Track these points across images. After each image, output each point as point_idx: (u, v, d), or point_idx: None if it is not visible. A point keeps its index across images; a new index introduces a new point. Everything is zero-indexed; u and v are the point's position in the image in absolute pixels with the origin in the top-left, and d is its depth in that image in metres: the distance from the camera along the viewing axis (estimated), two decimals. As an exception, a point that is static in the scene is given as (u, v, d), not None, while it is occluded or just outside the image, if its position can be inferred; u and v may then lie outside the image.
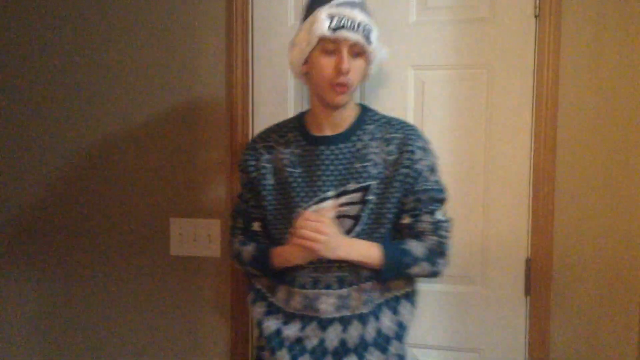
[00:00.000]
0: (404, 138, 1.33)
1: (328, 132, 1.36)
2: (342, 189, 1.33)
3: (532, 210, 1.60)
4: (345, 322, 1.33)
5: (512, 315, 1.64)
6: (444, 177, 1.39)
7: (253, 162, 1.41)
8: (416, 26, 1.66)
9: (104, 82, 1.85)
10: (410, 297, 1.40)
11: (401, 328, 1.37)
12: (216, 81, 1.78)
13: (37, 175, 1.92)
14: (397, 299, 1.38)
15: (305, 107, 1.74)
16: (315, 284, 1.34)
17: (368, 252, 1.31)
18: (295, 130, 1.41)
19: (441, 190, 1.36)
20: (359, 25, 1.25)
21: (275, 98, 1.76)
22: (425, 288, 1.68)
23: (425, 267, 1.32)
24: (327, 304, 1.33)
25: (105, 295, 1.91)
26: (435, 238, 1.33)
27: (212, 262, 1.83)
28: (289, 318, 1.38)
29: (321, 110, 1.36)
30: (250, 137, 1.77)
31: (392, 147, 1.33)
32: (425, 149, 1.35)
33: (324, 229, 1.25)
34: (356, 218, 1.32)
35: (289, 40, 1.71)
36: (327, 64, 1.27)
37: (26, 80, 1.90)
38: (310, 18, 1.28)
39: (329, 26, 1.23)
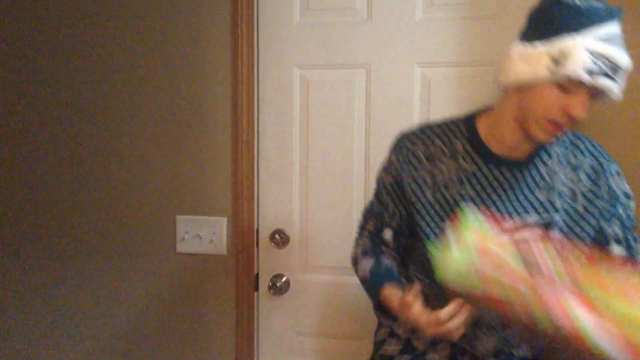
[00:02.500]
0: (597, 165, 1.15)
1: (509, 152, 1.14)
2: (520, 221, 1.12)
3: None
4: None
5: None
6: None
7: (409, 169, 1.19)
8: (422, 23, 1.65)
9: (108, 81, 1.86)
10: None
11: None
12: (221, 79, 1.78)
13: (42, 174, 1.93)
14: None
15: (310, 106, 1.75)
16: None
17: None
18: (465, 139, 1.17)
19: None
20: (619, 72, 1.00)
21: (281, 97, 1.76)
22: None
23: None
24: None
25: (111, 292, 1.92)
26: None
27: (218, 260, 1.83)
28: None
29: (513, 131, 1.11)
30: (255, 135, 1.78)
31: (582, 176, 1.14)
32: (620, 174, 1.17)
33: None
34: None
35: (294, 38, 1.73)
36: (557, 102, 1.02)
37: (32, 81, 1.91)
38: (564, 44, 0.99)
39: (587, 68, 0.97)
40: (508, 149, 1.13)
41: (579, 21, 0.99)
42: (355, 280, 1.73)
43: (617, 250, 1.15)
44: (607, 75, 0.99)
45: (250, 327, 1.82)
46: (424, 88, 1.67)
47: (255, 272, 1.82)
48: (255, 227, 1.80)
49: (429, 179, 1.17)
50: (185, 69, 1.80)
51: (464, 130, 1.18)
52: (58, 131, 1.91)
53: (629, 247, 1.15)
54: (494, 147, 1.14)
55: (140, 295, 1.90)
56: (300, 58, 1.74)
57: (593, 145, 1.18)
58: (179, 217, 1.84)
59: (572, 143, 1.17)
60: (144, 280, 1.89)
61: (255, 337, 1.84)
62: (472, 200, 1.14)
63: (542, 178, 1.14)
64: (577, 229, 1.14)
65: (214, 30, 1.77)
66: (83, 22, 1.86)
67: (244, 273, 1.80)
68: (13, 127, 1.94)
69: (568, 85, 1.00)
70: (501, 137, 1.13)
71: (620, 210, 1.15)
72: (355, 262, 1.29)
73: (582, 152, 1.16)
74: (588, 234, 1.14)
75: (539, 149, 1.15)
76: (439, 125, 1.21)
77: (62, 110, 1.90)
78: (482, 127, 1.16)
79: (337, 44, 1.71)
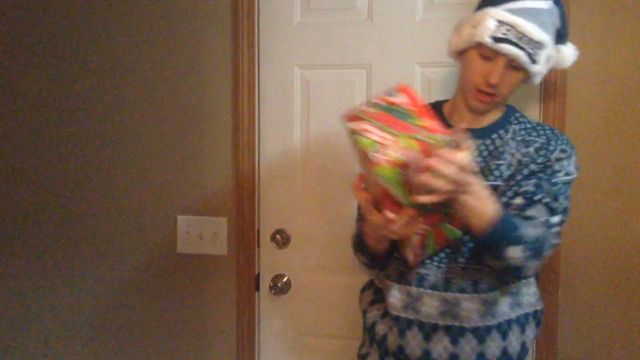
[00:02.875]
0: (546, 143, 1.21)
1: (468, 125, 1.24)
2: None
3: (540, 207, 1.59)
4: (455, 333, 1.20)
5: (520, 314, 1.62)
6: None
7: None
8: (423, 23, 1.65)
9: (108, 81, 1.86)
10: (538, 315, 1.29)
11: (523, 350, 1.24)
12: (222, 79, 1.78)
13: (42, 173, 1.93)
14: (526, 317, 1.26)
15: (311, 105, 1.75)
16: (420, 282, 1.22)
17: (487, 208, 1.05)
18: None
19: (565, 208, 1.19)
20: (527, 41, 1.13)
21: (281, 96, 1.76)
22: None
23: (521, 254, 1.08)
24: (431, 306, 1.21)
25: (112, 292, 1.92)
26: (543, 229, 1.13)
27: (218, 260, 1.83)
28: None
29: (462, 102, 1.26)
30: (256, 135, 1.78)
31: (530, 150, 1.21)
32: (566, 152, 1.20)
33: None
34: None
35: (295, 37, 1.73)
36: (478, 68, 1.17)
37: (32, 80, 1.91)
38: (480, 14, 1.17)
39: (492, 35, 1.13)
40: (467, 123, 1.26)
41: None
42: (357, 280, 1.74)
43: (517, 200, 1.17)
44: (512, 43, 1.12)
45: (251, 327, 1.81)
46: (424, 88, 1.67)
47: (256, 272, 1.81)
48: (256, 227, 1.80)
49: None
50: (186, 69, 1.80)
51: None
52: (59, 131, 1.91)
53: (529, 200, 1.16)
54: (456, 122, 1.27)
55: (141, 295, 1.90)
56: (300, 58, 1.74)
57: (552, 131, 1.25)
58: (179, 217, 1.84)
59: (533, 127, 1.27)
60: (144, 280, 1.89)
61: (256, 337, 1.84)
62: None
63: (496, 148, 1.23)
64: (510, 193, 1.19)
65: (215, 31, 1.77)
66: (83, 22, 1.86)
67: (245, 273, 1.80)
68: (13, 127, 1.94)
69: (486, 53, 1.16)
70: (460, 112, 1.28)
71: (545, 176, 1.18)
72: (352, 242, 1.34)
73: (538, 134, 1.25)
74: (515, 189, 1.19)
75: (498, 125, 1.26)
76: None
77: (63, 110, 1.90)
78: (447, 107, 1.33)
79: (337, 43, 1.71)
